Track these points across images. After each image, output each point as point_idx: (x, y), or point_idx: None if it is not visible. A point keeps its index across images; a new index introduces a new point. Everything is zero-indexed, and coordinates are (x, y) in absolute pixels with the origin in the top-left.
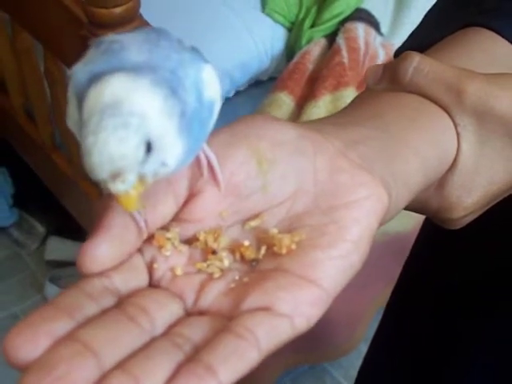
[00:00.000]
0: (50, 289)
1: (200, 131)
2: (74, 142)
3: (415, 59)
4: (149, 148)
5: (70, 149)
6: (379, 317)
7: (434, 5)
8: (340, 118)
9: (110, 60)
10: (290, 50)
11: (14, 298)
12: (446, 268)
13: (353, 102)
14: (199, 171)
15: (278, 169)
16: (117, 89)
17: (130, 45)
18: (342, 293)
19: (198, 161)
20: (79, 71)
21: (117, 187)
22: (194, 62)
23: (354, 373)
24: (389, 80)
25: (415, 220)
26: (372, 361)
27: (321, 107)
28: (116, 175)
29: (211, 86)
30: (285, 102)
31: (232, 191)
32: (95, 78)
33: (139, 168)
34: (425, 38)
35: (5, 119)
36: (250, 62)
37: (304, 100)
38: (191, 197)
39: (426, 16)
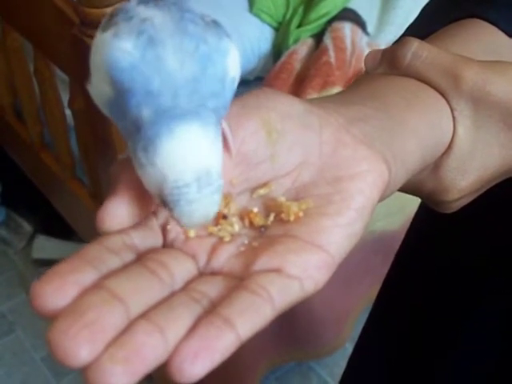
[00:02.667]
0: None
1: (224, 110)
2: (63, 141)
3: (414, 44)
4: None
5: (59, 148)
6: (365, 316)
7: None
8: (341, 97)
9: (147, 57)
10: (277, 49)
11: (1, 296)
12: (437, 258)
13: (352, 84)
14: None
15: (286, 140)
16: (198, 155)
17: (160, 26)
18: (328, 291)
19: None
20: (115, 48)
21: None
22: (219, 47)
23: (340, 371)
24: (387, 64)
25: (401, 219)
26: (358, 358)
27: None
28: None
29: (234, 66)
30: None
31: (242, 160)
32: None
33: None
34: (422, 30)
35: None
36: None
37: None
38: None
39: (423, 9)
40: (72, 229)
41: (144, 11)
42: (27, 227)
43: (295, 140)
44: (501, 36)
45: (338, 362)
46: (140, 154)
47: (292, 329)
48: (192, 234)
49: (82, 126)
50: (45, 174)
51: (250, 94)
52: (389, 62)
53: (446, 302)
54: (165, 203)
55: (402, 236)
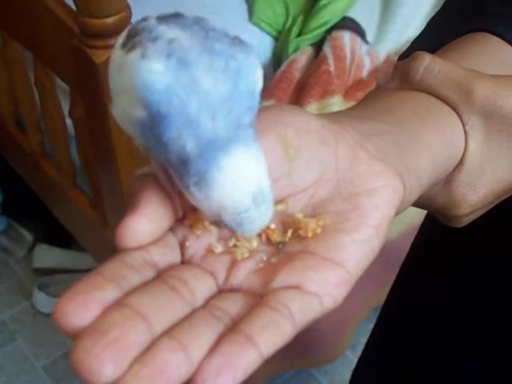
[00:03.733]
0: (38, 296)
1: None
2: (64, 150)
3: (426, 59)
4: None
5: (60, 157)
6: (365, 324)
7: (438, 11)
8: (353, 112)
9: (182, 79)
10: (277, 58)
11: (1, 305)
12: (444, 269)
13: (364, 99)
14: None
15: (303, 156)
16: (248, 177)
17: (193, 56)
18: None
19: None
20: (147, 70)
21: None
22: (247, 63)
23: (339, 378)
24: (399, 79)
25: (399, 228)
26: (365, 365)
27: None
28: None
29: (260, 81)
30: None
31: None
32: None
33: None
34: (430, 44)
35: None
36: None
37: None
38: None
39: (429, 22)
40: (73, 238)
41: (168, 31)
42: (28, 236)
43: (312, 156)
44: (509, 49)
45: (338, 369)
46: (193, 190)
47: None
48: (219, 249)
49: (82, 134)
50: (45, 183)
51: (266, 110)
52: (401, 77)
53: (450, 315)
54: (225, 224)
55: (401, 244)
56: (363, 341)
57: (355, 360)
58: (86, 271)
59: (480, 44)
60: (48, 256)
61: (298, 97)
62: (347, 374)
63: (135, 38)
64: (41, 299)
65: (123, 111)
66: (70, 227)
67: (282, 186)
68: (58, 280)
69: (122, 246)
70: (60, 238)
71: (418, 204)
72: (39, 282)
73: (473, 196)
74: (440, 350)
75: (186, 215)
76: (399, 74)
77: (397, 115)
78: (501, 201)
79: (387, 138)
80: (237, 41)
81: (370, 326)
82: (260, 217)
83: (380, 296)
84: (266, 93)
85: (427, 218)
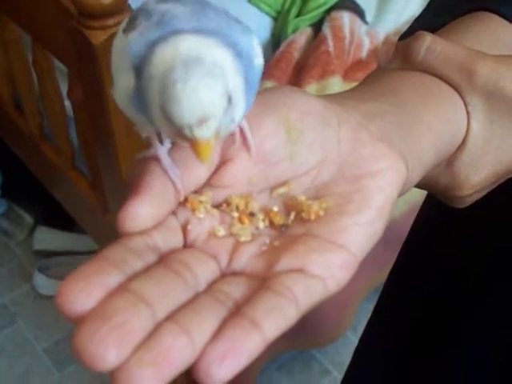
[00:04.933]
0: (39, 278)
1: (251, 95)
2: (63, 132)
3: (427, 39)
4: (229, 100)
5: (59, 139)
6: (366, 305)
7: None
8: (355, 93)
9: (164, 29)
10: (276, 39)
11: (2, 287)
12: (445, 250)
13: (365, 80)
14: (231, 138)
15: (306, 138)
16: (191, 45)
17: (181, 15)
18: None
19: None
20: (135, 42)
21: (202, 133)
22: (244, 32)
23: (340, 359)
24: (401, 59)
25: (402, 207)
26: (366, 345)
27: None
28: (203, 121)
29: (259, 53)
30: None
31: (261, 158)
32: (156, 43)
33: (221, 118)
34: (431, 22)
35: None
36: None
37: None
38: (223, 163)
39: (430, 1)
40: (73, 220)
41: (163, 6)
42: (28, 219)
43: (314, 138)
44: (511, 29)
45: (339, 350)
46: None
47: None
48: (221, 232)
49: (81, 116)
50: (45, 165)
51: (268, 92)
52: (402, 57)
53: (451, 297)
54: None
55: (402, 224)
56: (364, 322)
57: (356, 341)
58: (87, 253)
59: (482, 23)
60: (48, 238)
61: (298, 77)
62: (348, 355)
63: (135, 22)
64: (41, 281)
65: (121, 92)
66: (69, 209)
67: (285, 169)
68: (59, 262)
69: (124, 230)
70: (60, 220)
71: (420, 185)
72: (39, 264)
73: (475, 176)
74: (440, 332)
75: (188, 198)
76: (400, 55)
77: (399, 96)
78: (503, 181)
79: (390, 119)
80: (234, 19)
81: (371, 307)
82: (190, 82)
83: (381, 276)
84: (265, 73)
85: (427, 198)
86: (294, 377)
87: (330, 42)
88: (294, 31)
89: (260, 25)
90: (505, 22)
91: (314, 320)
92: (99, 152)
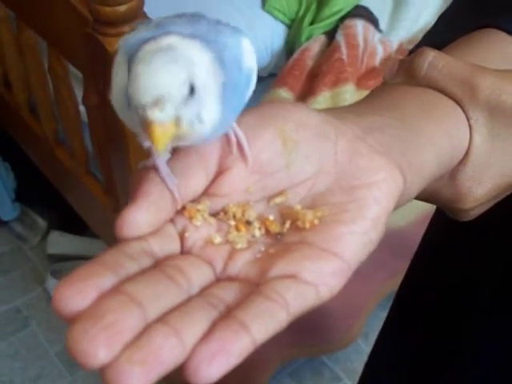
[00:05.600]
0: (52, 282)
1: (238, 101)
2: (77, 137)
3: (430, 54)
4: (192, 91)
5: (73, 144)
6: (377, 312)
7: (449, 6)
8: (358, 107)
9: (159, 30)
10: (290, 46)
11: (16, 291)
12: (454, 262)
13: (369, 94)
14: (229, 148)
15: (302, 149)
16: (173, 41)
17: (176, 21)
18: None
19: (227, 139)
20: (131, 38)
21: (155, 114)
22: (233, 34)
23: (351, 366)
24: (405, 74)
25: (409, 215)
26: (378, 355)
27: (320, 103)
28: (157, 102)
29: (249, 56)
30: (285, 98)
31: (258, 168)
32: (147, 41)
33: (179, 106)
34: (439, 39)
35: (9, 114)
36: None
37: (304, 96)
38: (220, 173)
39: (440, 17)
40: (86, 224)
41: (162, 17)
42: (42, 223)
43: (311, 149)
44: None
45: (350, 356)
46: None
47: (304, 324)
48: (218, 240)
49: (95, 122)
50: (59, 170)
51: (266, 104)
52: (406, 72)
53: (461, 308)
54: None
55: (412, 233)
56: (375, 329)
57: (367, 348)
58: None
59: (488, 40)
60: (61, 242)
61: (311, 84)
62: (359, 362)
63: (137, 27)
64: (54, 285)
65: (117, 92)
66: (83, 214)
67: (281, 178)
68: (72, 266)
69: (121, 236)
70: (73, 224)
71: (423, 197)
72: (53, 268)
73: (478, 190)
74: (451, 342)
75: (186, 207)
76: (404, 70)
77: (401, 110)
78: (507, 195)
79: (390, 132)
80: (227, 25)
81: (383, 314)
82: (146, 61)
83: (392, 283)
84: (278, 80)
85: (438, 208)
86: (305, 383)
87: (344, 50)
88: (308, 39)
89: (274, 32)
90: (510, 39)
91: (325, 327)
92: (113, 157)
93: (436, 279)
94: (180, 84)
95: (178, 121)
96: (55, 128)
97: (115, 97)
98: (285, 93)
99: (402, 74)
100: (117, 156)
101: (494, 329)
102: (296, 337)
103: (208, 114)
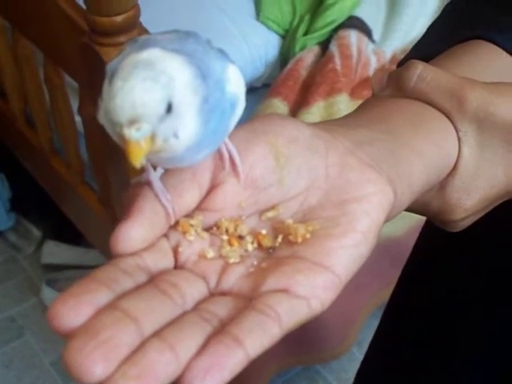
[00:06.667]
0: (47, 292)
1: (219, 123)
2: (73, 147)
3: (419, 67)
4: (169, 109)
5: (69, 154)
6: (371, 321)
7: (438, 18)
8: (347, 120)
9: (143, 48)
10: (284, 56)
11: (10, 300)
12: (445, 271)
13: (359, 107)
14: (221, 164)
15: (294, 164)
16: (153, 54)
17: (163, 39)
18: None
19: (220, 154)
20: (115, 61)
21: (131, 134)
22: (219, 58)
23: (345, 375)
24: (393, 87)
25: (406, 224)
26: (369, 364)
27: (314, 113)
28: (133, 121)
29: (235, 83)
30: (279, 108)
31: (251, 184)
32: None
33: (155, 124)
34: (428, 50)
35: (4, 124)
36: (245, 68)
37: (298, 106)
38: (213, 188)
39: (429, 29)
40: (81, 234)
41: (149, 36)
42: (36, 232)
43: (302, 164)
44: (505, 57)
45: (345, 366)
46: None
47: (299, 333)
48: (210, 254)
49: (91, 132)
50: (54, 180)
51: (258, 120)
52: (395, 85)
53: (453, 316)
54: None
55: (407, 242)
56: (369, 338)
57: (361, 357)
58: (94, 267)
59: (476, 51)
60: (56, 252)
61: (305, 94)
62: (353, 371)
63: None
64: (49, 295)
65: (101, 111)
66: (78, 224)
67: (273, 193)
68: (67, 276)
69: (116, 252)
70: (68, 234)
71: (413, 209)
72: (47, 277)
73: (467, 201)
74: (443, 350)
75: (179, 222)
76: (393, 83)
77: (390, 123)
78: (496, 206)
79: (379, 146)
80: (216, 48)
81: (377, 323)
82: (124, 80)
83: (387, 292)
84: (273, 90)
85: (428, 218)
86: None
87: (338, 60)
88: (302, 49)
89: (268, 43)
90: (499, 50)
91: (319, 336)
92: (108, 167)
93: (427, 288)
94: (157, 103)
95: (153, 137)
96: (51, 138)
97: (101, 114)
98: (279, 103)
99: (391, 86)
100: (112, 166)
101: (485, 337)
102: (291, 346)
103: (184, 131)
